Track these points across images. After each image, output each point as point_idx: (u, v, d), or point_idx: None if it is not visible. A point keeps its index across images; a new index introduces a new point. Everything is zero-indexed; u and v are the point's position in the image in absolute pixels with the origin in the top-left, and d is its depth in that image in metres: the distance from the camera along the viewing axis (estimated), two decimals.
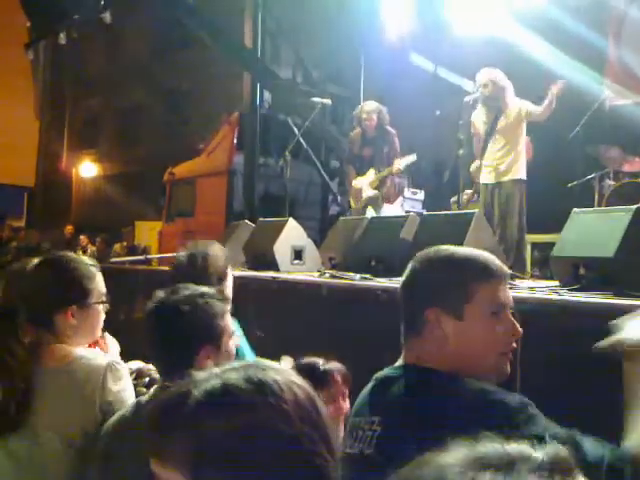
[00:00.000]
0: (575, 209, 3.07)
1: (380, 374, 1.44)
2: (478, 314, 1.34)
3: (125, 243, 11.32)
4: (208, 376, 0.79)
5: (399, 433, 1.22)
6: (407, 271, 1.46)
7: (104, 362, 1.78)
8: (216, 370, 0.80)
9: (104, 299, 1.95)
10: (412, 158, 5.82)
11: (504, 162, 4.98)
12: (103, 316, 1.98)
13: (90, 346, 2.01)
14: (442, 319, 1.34)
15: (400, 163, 5.76)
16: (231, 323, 1.82)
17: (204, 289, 1.80)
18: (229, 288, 2.49)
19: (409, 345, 1.40)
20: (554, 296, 2.61)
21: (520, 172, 4.99)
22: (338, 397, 2.14)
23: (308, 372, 2.08)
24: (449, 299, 1.35)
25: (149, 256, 7.32)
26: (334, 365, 2.20)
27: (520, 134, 5.03)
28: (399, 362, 1.42)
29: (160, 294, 1.77)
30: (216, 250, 2.50)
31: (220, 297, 1.82)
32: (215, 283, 2.31)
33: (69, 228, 12.81)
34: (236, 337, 1.91)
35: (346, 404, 2.14)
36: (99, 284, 1.92)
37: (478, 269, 1.37)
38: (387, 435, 1.26)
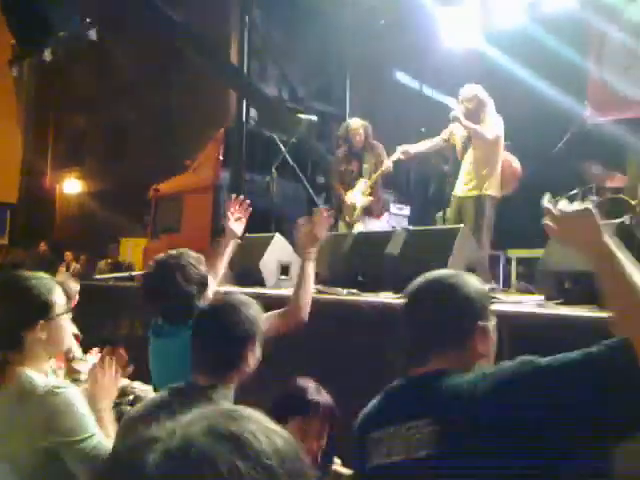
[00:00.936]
0: None
1: (402, 382, 1.49)
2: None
3: (109, 260, 11.21)
4: (168, 430, 0.65)
5: (463, 430, 1.26)
6: (440, 285, 1.52)
7: (45, 388, 1.77)
8: (179, 422, 0.66)
9: (66, 309, 1.98)
10: (397, 153, 5.88)
11: (478, 176, 5.03)
12: (69, 326, 2.03)
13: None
14: (487, 331, 1.46)
15: (388, 161, 5.83)
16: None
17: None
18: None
19: (440, 355, 1.44)
20: (539, 310, 2.61)
21: (493, 188, 5.05)
22: (323, 433, 2.06)
23: (298, 399, 2.05)
24: (487, 314, 1.49)
25: (133, 273, 7.26)
26: (323, 397, 2.12)
27: (496, 150, 5.10)
28: (421, 369, 1.46)
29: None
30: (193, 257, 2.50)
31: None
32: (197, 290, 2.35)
33: (42, 245, 12.52)
34: None
35: (323, 442, 2.07)
36: (59, 295, 1.96)
37: None
38: (449, 433, 1.29)
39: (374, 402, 1.53)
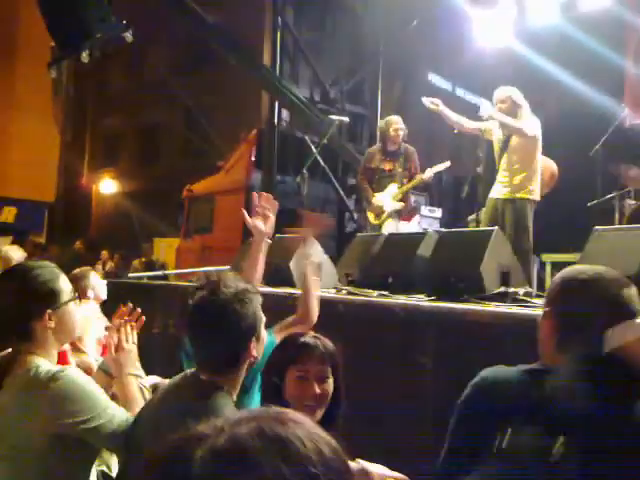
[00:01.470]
0: (596, 227, 3.03)
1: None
2: None
3: (143, 259, 11.38)
4: (216, 428, 0.64)
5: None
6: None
7: (48, 374, 1.79)
8: (227, 420, 0.66)
9: (73, 296, 2.00)
10: (446, 164, 5.79)
11: (515, 179, 4.93)
12: (78, 313, 2.05)
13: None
14: None
15: (431, 170, 5.76)
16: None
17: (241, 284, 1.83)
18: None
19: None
20: None
21: (532, 191, 4.93)
22: (324, 377, 1.88)
23: (292, 346, 1.93)
24: None
25: (167, 272, 7.37)
26: (321, 341, 1.91)
27: (533, 152, 4.99)
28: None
29: (201, 293, 1.79)
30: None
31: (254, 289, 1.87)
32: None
33: (78, 243, 12.80)
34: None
35: (327, 387, 1.89)
36: (65, 283, 1.97)
37: None
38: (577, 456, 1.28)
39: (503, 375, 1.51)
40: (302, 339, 1.93)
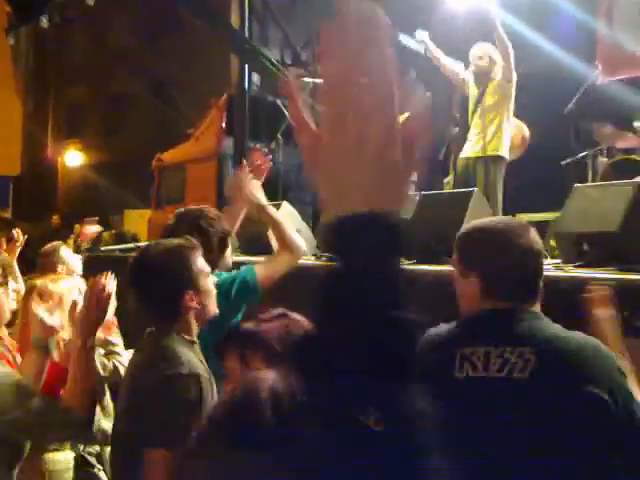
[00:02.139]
0: (577, 184, 3.01)
1: (484, 312, 1.60)
2: None
3: (113, 231, 11.18)
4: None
5: (558, 364, 1.46)
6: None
7: None
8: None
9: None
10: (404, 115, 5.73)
11: (486, 138, 4.94)
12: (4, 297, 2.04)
13: None
14: None
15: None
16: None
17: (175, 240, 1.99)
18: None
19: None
20: (557, 273, 2.56)
21: (501, 149, 4.95)
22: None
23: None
24: None
25: (139, 244, 7.23)
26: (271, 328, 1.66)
27: (505, 111, 4.99)
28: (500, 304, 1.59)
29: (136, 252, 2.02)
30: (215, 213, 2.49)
31: (188, 242, 1.97)
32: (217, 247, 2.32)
33: (55, 218, 12.66)
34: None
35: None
36: None
37: None
38: (544, 364, 1.46)
39: (452, 326, 1.65)
40: (245, 328, 1.72)
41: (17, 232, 3.50)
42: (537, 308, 1.60)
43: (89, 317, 1.95)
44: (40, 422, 1.73)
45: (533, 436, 1.44)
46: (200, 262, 1.92)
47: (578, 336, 1.53)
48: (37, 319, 2.09)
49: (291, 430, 0.64)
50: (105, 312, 2.05)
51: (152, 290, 1.88)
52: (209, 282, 1.97)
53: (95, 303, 1.98)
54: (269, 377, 0.71)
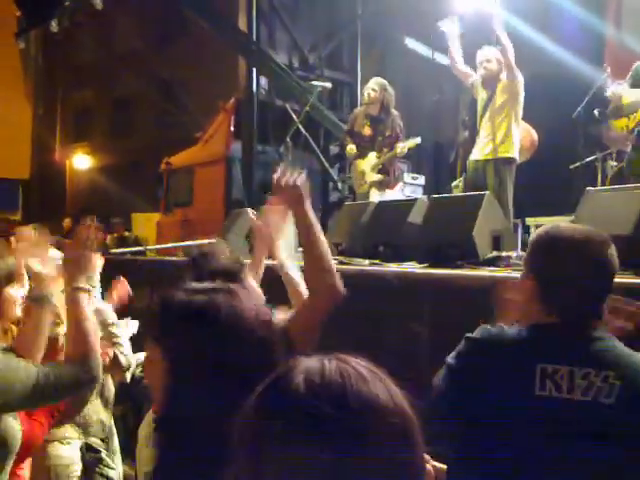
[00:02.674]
0: (589, 188, 3.01)
1: (558, 324, 1.53)
2: None
3: (115, 235, 11.22)
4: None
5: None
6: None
7: None
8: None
9: None
10: (416, 141, 5.72)
11: (495, 140, 4.93)
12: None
13: None
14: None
15: (404, 146, 5.68)
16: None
17: None
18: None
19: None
20: None
21: (512, 151, 4.94)
22: None
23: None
24: None
25: (149, 247, 7.26)
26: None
27: (514, 113, 4.99)
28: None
29: None
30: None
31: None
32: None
33: (67, 221, 12.74)
34: None
35: None
36: None
37: None
38: (630, 390, 1.44)
39: (520, 334, 1.57)
40: None
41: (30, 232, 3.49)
42: (603, 327, 1.56)
43: (75, 259, 1.90)
44: (45, 390, 1.72)
45: (615, 463, 1.42)
46: None
47: None
48: (34, 272, 2.05)
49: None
50: (90, 255, 1.96)
51: None
52: None
53: (81, 245, 1.92)
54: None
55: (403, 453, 0.70)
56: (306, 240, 1.83)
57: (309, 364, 0.73)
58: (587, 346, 1.49)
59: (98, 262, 3.13)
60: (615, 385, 1.44)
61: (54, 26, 7.39)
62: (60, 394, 1.80)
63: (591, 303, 1.54)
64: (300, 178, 1.86)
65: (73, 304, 1.83)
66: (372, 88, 5.78)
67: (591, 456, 1.41)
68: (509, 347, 1.55)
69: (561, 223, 1.73)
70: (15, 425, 1.91)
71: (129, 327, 3.22)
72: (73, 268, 1.87)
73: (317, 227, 1.84)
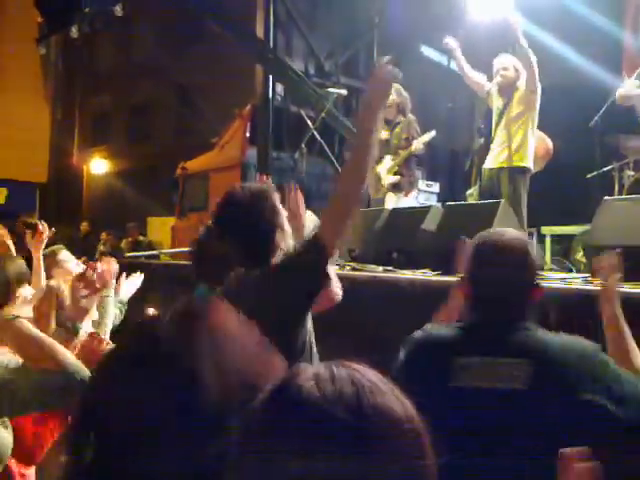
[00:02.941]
0: (606, 197, 2.98)
1: (479, 320, 1.66)
2: None
3: (130, 239, 11.31)
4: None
5: (557, 373, 1.50)
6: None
7: None
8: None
9: None
10: (431, 134, 5.70)
11: (510, 149, 4.90)
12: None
13: None
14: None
15: (419, 141, 5.67)
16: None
17: None
18: None
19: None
20: (587, 287, 2.53)
21: (526, 160, 4.92)
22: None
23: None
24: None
25: (164, 251, 7.31)
26: None
27: (530, 122, 4.96)
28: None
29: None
30: None
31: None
32: None
33: (84, 225, 12.86)
34: None
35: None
36: None
37: None
38: (540, 375, 1.51)
39: (440, 332, 1.72)
40: None
41: (43, 225, 3.44)
42: (531, 321, 1.64)
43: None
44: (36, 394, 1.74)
45: (529, 446, 1.44)
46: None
47: (569, 343, 1.58)
48: (73, 298, 2.09)
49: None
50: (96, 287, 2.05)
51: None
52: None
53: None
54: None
55: (417, 462, 0.69)
56: (362, 138, 1.85)
57: (317, 370, 0.71)
58: (506, 338, 1.58)
59: (113, 267, 3.11)
60: (527, 372, 1.51)
61: (74, 32, 7.50)
62: (59, 401, 1.80)
63: (513, 300, 1.64)
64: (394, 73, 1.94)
65: (17, 332, 1.84)
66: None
67: (506, 442, 1.45)
68: (433, 345, 1.70)
69: (498, 229, 1.82)
70: (4, 434, 1.92)
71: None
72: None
73: (376, 136, 1.86)
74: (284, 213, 1.98)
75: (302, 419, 0.66)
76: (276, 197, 1.96)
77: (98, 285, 2.03)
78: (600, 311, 1.87)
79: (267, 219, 1.90)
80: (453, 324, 1.75)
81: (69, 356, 1.79)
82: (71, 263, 3.67)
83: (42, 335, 1.85)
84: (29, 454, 2.15)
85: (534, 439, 1.44)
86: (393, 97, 5.77)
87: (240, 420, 0.71)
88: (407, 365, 1.72)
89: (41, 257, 3.45)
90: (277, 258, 1.91)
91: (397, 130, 5.82)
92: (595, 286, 1.92)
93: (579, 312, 2.30)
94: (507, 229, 1.79)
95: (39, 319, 2.41)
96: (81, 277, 2.06)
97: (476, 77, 5.24)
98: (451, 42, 5.18)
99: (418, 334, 1.77)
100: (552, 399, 1.49)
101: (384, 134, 5.82)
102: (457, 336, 1.68)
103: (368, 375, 0.72)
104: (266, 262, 1.88)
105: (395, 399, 0.71)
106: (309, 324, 1.98)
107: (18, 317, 1.90)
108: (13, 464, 2.12)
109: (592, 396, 1.48)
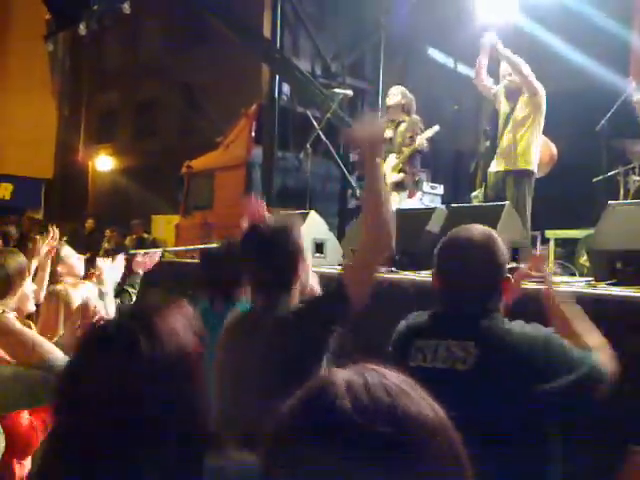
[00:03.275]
0: (611, 201, 2.98)
1: (444, 309, 1.79)
2: None
3: (134, 236, 11.34)
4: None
5: (498, 357, 1.60)
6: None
7: None
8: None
9: None
10: (434, 129, 5.72)
11: (517, 152, 4.91)
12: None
13: None
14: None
15: (422, 137, 5.69)
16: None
17: None
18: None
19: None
20: (591, 290, 2.53)
21: (531, 163, 4.92)
22: None
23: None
24: None
25: (168, 249, 7.33)
26: None
27: (536, 125, 4.96)
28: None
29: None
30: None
31: None
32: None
33: (90, 222, 12.90)
34: None
35: None
36: None
37: None
38: (486, 357, 1.61)
39: (416, 319, 1.88)
40: None
41: (52, 229, 3.50)
42: (497, 312, 1.73)
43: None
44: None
45: (471, 426, 1.46)
46: None
47: (529, 331, 1.66)
48: (70, 329, 2.12)
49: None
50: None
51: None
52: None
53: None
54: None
55: (454, 470, 0.68)
56: (374, 189, 1.85)
57: (349, 377, 0.69)
58: (462, 323, 1.71)
59: (120, 264, 3.15)
60: (472, 354, 1.62)
61: (82, 29, 7.53)
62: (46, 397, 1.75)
63: (476, 291, 1.73)
64: (378, 126, 1.95)
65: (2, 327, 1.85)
66: (392, 94, 5.86)
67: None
68: (406, 330, 1.87)
69: (465, 226, 1.87)
70: None
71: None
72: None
73: (383, 181, 1.94)
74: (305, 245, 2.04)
75: (336, 433, 0.63)
76: (300, 228, 2.02)
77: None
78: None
79: (291, 248, 1.94)
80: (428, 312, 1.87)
81: (57, 352, 1.78)
82: (73, 258, 3.72)
83: (27, 331, 1.86)
84: (24, 447, 2.16)
85: (472, 422, 1.48)
86: (398, 98, 5.81)
87: (269, 426, 0.69)
88: (392, 351, 1.89)
89: (49, 260, 3.49)
90: (299, 299, 1.95)
91: (401, 129, 5.83)
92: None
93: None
94: (475, 225, 1.85)
95: (47, 320, 2.44)
96: (84, 308, 2.09)
97: (487, 81, 5.25)
98: (492, 37, 5.08)
99: (402, 323, 1.93)
100: (495, 384, 1.57)
101: (388, 133, 5.83)
102: (424, 322, 1.82)
103: (397, 381, 0.71)
104: (289, 290, 1.92)
105: (427, 404, 0.70)
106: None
107: (4, 312, 1.90)
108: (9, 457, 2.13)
109: (543, 386, 1.55)
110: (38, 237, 3.45)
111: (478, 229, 1.81)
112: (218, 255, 2.58)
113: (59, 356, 1.75)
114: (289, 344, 1.80)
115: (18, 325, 1.86)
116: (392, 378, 0.71)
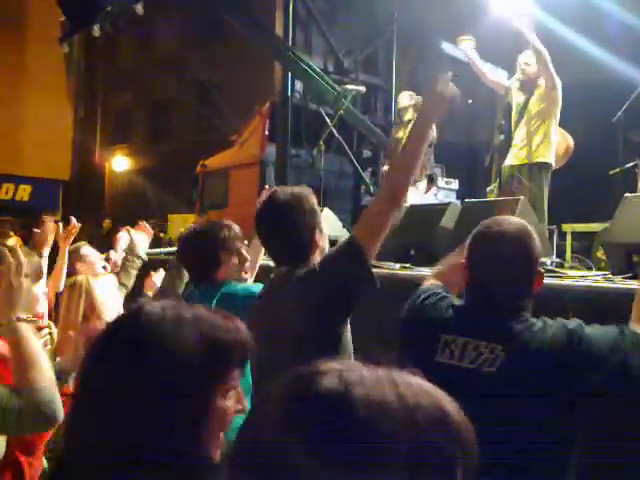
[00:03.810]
0: (627, 194, 2.94)
1: (474, 303, 1.73)
2: None
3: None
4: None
5: (523, 363, 1.56)
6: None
7: None
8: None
9: None
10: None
11: (531, 145, 4.86)
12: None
13: None
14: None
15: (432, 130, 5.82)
16: None
17: None
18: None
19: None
20: (607, 284, 2.50)
21: (547, 156, 4.86)
22: None
23: None
24: None
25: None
26: None
27: (553, 118, 4.91)
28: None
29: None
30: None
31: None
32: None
33: (107, 222, 13.04)
34: None
35: None
36: None
37: None
38: (512, 362, 1.57)
39: (443, 307, 1.78)
40: None
41: (73, 221, 3.55)
42: (527, 310, 1.68)
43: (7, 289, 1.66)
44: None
45: (492, 430, 1.45)
46: None
47: (556, 334, 1.59)
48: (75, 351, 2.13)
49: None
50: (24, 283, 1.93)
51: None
52: None
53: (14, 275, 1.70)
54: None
55: (472, 468, 0.65)
56: (414, 140, 1.91)
57: (360, 374, 0.64)
58: (491, 323, 1.64)
59: (145, 231, 3.23)
60: (499, 356, 1.58)
61: (96, 31, 7.58)
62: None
63: (507, 287, 1.67)
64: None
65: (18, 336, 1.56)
66: (401, 97, 6.17)
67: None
68: (426, 320, 1.79)
69: (500, 217, 1.82)
70: None
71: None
72: (8, 299, 1.59)
73: (427, 140, 1.98)
74: (321, 214, 2.06)
75: (350, 437, 0.60)
76: (314, 198, 2.02)
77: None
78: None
79: (308, 219, 1.95)
80: (450, 302, 1.81)
81: (47, 379, 1.51)
82: (93, 256, 3.79)
83: (30, 349, 1.54)
84: (29, 446, 2.17)
85: (494, 425, 1.42)
86: (407, 100, 5.92)
87: (254, 414, 0.68)
88: (403, 330, 1.88)
89: (67, 251, 3.55)
90: (317, 258, 1.97)
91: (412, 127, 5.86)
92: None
93: (596, 310, 2.27)
94: (510, 217, 1.81)
95: (68, 311, 2.45)
96: (89, 329, 2.08)
97: (493, 75, 5.21)
98: (466, 46, 5.16)
99: (414, 308, 1.87)
100: (518, 389, 1.53)
101: (400, 133, 5.86)
102: (450, 316, 1.75)
103: (408, 378, 0.66)
104: (307, 261, 1.93)
105: (450, 402, 0.67)
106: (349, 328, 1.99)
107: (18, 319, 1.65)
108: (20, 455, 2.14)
109: (570, 396, 1.51)
110: (58, 225, 3.49)
111: (512, 222, 1.75)
112: (190, 235, 2.56)
113: (46, 385, 1.49)
114: (316, 290, 1.82)
115: (25, 340, 1.57)
116: (404, 376, 0.67)
